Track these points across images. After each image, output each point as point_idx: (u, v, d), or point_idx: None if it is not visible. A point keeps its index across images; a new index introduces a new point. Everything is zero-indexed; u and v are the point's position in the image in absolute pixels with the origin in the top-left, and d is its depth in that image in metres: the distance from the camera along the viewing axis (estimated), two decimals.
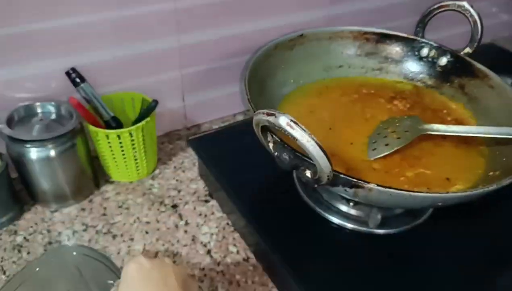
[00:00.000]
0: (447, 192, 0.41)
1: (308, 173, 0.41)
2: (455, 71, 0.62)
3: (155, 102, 0.63)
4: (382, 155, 0.50)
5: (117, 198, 0.66)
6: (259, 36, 0.67)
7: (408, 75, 0.66)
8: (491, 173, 0.49)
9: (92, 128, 0.59)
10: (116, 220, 0.62)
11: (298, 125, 0.36)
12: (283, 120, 0.36)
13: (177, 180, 0.70)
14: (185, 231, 0.61)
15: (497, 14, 1.08)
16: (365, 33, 0.65)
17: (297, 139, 0.36)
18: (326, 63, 0.65)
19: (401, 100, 0.61)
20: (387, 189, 0.39)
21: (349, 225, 0.53)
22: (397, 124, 0.54)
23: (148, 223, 0.62)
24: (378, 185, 0.39)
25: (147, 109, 0.64)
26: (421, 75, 0.65)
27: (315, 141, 0.36)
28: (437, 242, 0.53)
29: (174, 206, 0.65)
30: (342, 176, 0.40)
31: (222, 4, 0.65)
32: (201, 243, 0.59)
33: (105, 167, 0.66)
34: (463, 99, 0.61)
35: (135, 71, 0.65)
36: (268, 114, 0.37)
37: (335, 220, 0.53)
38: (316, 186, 0.41)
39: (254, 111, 0.47)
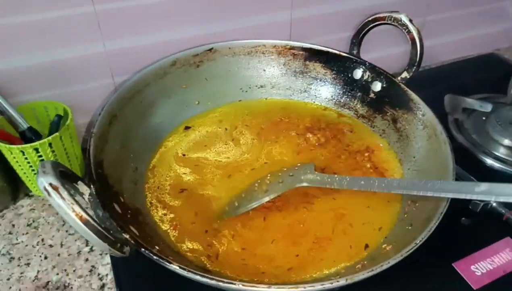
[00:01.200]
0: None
1: None
2: (389, 101, 0.50)
3: (58, 117, 0.58)
4: (238, 213, 0.41)
5: (29, 215, 0.61)
6: (195, 41, 0.58)
7: (339, 100, 0.54)
8: (384, 246, 0.38)
9: None
10: (20, 240, 0.58)
11: (58, 193, 0.28)
12: (40, 184, 0.29)
13: None
14: (86, 259, 0.56)
15: None
16: (292, 48, 0.55)
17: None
18: (244, 82, 0.56)
19: (316, 133, 0.50)
20: (189, 273, 0.30)
21: None
22: (280, 174, 0.44)
23: (51, 246, 0.57)
24: (180, 267, 0.31)
25: (52, 124, 0.59)
26: (352, 103, 0.53)
27: (76, 215, 0.28)
28: None
29: None
30: (146, 252, 0.32)
31: (147, 7, 0.58)
32: (98, 275, 0.53)
33: (22, 180, 0.62)
34: (393, 137, 0.49)
35: (61, 79, 0.60)
36: (37, 171, 0.30)
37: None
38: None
39: (87, 151, 0.40)
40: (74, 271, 0.53)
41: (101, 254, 0.55)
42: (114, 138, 0.44)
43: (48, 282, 0.52)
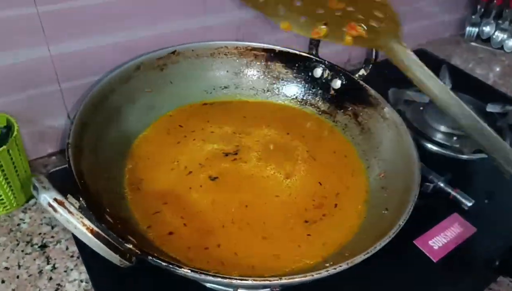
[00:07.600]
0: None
1: None
2: (349, 97, 0.54)
3: (7, 128, 0.54)
4: None
5: None
6: (147, 43, 0.57)
7: (301, 98, 0.57)
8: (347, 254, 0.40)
9: None
10: None
11: (64, 208, 0.27)
12: (44, 201, 0.27)
13: None
14: (50, 278, 0.52)
15: (437, 14, 1.01)
16: (253, 49, 0.56)
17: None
18: (208, 84, 0.57)
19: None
20: (202, 275, 0.31)
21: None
22: None
23: (7, 269, 0.53)
24: (191, 270, 0.31)
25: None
26: (314, 100, 0.57)
27: (87, 229, 0.27)
28: None
29: (43, 246, 0.56)
30: (150, 258, 0.31)
31: (93, 10, 0.55)
32: None
33: None
34: (355, 131, 0.53)
35: (1, 87, 0.55)
36: (33, 187, 0.28)
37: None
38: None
39: (68, 162, 0.38)
40: None
41: (65, 271, 0.52)
42: (88, 148, 0.43)
43: None
